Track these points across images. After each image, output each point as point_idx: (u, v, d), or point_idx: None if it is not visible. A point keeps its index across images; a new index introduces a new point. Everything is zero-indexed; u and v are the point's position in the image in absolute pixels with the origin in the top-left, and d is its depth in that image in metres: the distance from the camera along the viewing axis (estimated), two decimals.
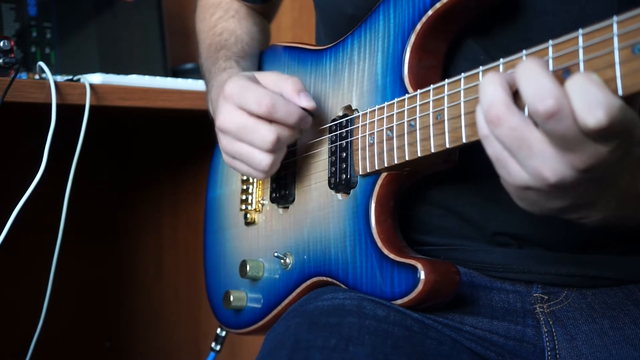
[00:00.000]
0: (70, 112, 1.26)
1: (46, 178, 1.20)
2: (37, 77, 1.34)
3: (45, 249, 1.39)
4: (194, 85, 1.47)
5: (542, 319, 0.88)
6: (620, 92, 0.58)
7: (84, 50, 1.63)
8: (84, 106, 1.28)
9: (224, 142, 0.93)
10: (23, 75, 1.37)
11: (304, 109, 0.90)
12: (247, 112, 0.89)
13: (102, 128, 1.64)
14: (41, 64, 1.30)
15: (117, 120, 1.96)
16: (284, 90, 0.90)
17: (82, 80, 1.32)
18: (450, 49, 0.86)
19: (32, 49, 1.53)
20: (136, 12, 1.73)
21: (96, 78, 1.34)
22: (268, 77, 0.92)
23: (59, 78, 1.34)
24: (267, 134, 0.88)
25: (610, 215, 0.72)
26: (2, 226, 1.17)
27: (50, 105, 1.23)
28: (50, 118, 1.22)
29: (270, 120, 0.88)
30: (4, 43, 1.24)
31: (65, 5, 1.60)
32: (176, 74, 1.75)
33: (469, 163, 0.85)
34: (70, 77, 1.35)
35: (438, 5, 0.81)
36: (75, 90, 1.29)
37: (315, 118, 0.97)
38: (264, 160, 0.90)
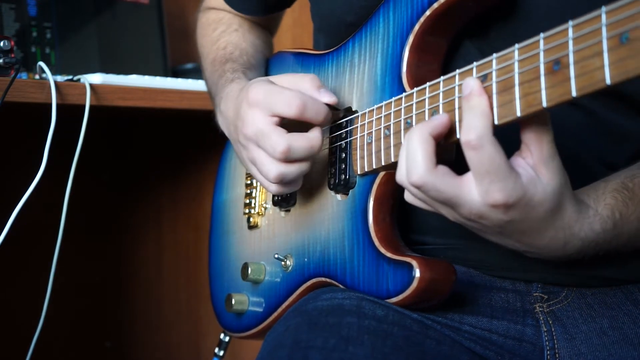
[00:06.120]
0: (70, 112, 1.26)
1: (46, 178, 1.20)
2: (37, 77, 1.34)
3: (45, 249, 1.39)
4: (194, 85, 1.47)
5: (541, 318, 0.88)
6: (608, 81, 0.58)
7: (84, 50, 1.63)
8: (84, 106, 1.28)
9: (248, 148, 0.90)
10: (23, 75, 1.37)
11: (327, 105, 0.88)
12: (275, 117, 0.86)
13: (102, 128, 1.64)
14: (41, 64, 1.30)
15: (117, 120, 1.96)
16: (302, 88, 0.88)
17: (82, 80, 1.32)
18: (447, 50, 0.86)
19: (32, 49, 1.53)
20: (136, 12, 1.73)
21: (96, 78, 1.34)
22: (284, 79, 0.91)
23: (59, 78, 1.34)
24: (278, 141, 0.85)
25: (589, 250, 0.76)
26: (2, 226, 1.17)
27: (50, 105, 1.23)
28: (50, 118, 1.22)
29: (300, 121, 0.86)
30: (4, 43, 1.24)
31: (65, 5, 1.60)
32: (176, 74, 1.75)
33: (465, 162, 0.85)
34: (70, 77, 1.35)
35: (436, 5, 0.81)
36: (75, 90, 1.29)
37: None
38: (272, 169, 0.87)
